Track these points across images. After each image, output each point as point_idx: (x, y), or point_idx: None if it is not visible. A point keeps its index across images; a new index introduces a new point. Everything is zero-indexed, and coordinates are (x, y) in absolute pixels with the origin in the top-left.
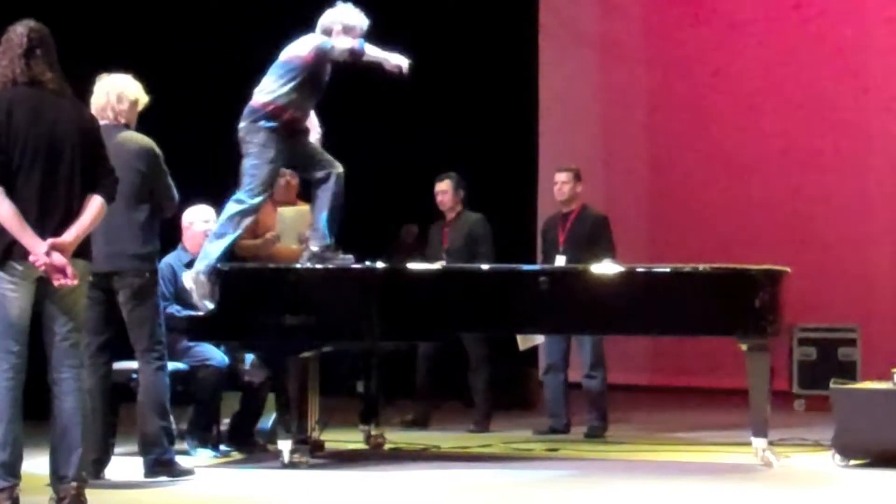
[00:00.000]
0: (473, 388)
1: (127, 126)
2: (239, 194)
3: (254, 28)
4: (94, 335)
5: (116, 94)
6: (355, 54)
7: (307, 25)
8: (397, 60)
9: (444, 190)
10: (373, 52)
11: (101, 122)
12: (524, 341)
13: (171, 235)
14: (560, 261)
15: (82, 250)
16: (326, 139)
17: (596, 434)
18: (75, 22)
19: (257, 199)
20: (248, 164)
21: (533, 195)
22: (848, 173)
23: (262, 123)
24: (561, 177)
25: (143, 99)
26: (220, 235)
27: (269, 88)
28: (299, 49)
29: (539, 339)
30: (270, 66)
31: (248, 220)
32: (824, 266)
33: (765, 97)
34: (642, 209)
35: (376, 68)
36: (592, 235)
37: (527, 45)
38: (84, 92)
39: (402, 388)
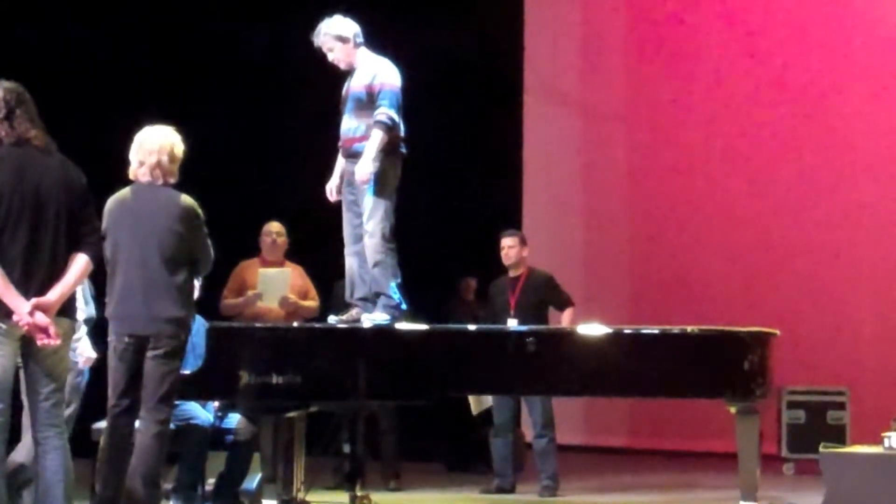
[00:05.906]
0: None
1: (172, 184)
2: None
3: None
4: (120, 398)
5: (168, 153)
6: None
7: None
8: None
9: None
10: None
11: (145, 181)
12: (477, 405)
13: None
14: (512, 324)
15: (66, 309)
16: None
17: (550, 494)
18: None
19: None
20: None
21: None
22: (835, 234)
23: None
24: (507, 241)
25: (182, 150)
26: None
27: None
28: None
29: (491, 401)
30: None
31: None
32: (813, 328)
33: (751, 154)
34: (624, 269)
35: None
36: (544, 296)
37: (513, 107)
38: (121, 144)
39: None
